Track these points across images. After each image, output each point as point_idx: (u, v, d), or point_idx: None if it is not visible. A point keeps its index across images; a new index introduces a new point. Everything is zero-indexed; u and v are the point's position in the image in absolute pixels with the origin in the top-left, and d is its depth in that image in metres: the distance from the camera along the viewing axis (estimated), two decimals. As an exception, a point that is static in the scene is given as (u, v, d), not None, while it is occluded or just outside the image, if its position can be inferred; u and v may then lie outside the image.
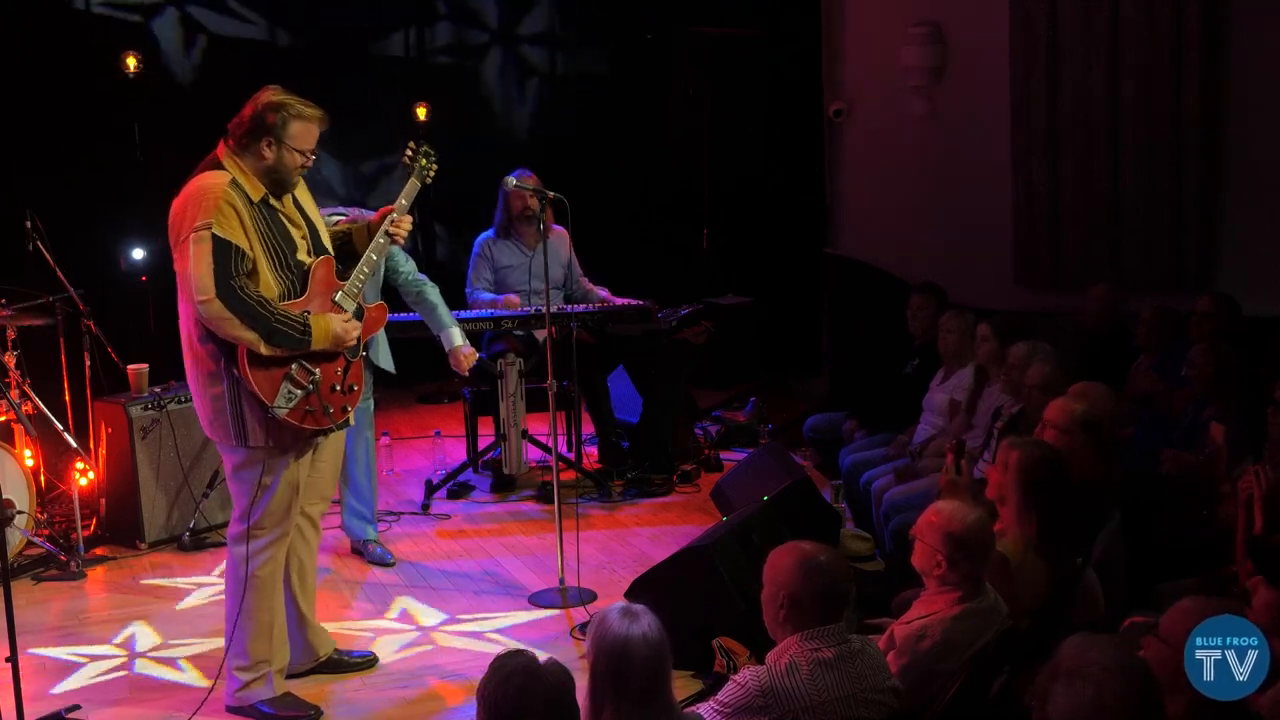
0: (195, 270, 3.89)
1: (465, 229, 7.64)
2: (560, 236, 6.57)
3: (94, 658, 4.82)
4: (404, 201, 4.32)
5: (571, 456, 6.82)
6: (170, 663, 4.76)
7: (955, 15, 7.85)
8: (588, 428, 7.00)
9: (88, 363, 6.15)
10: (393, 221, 4.29)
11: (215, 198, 3.93)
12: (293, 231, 4.12)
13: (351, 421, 4.30)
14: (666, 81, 9.01)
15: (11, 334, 5.89)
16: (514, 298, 6.51)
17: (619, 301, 6.64)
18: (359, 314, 4.21)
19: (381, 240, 4.29)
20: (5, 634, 3.80)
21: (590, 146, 8.83)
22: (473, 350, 5.76)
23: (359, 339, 4.20)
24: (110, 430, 6.01)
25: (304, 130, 4.06)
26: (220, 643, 4.68)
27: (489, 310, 6.39)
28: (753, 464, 5.83)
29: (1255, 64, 6.73)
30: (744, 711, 3.12)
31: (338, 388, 4.15)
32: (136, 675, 4.67)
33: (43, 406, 5.92)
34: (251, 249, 3.96)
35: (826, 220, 8.73)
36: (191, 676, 4.61)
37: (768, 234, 8.88)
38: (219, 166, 4.03)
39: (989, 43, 7.55)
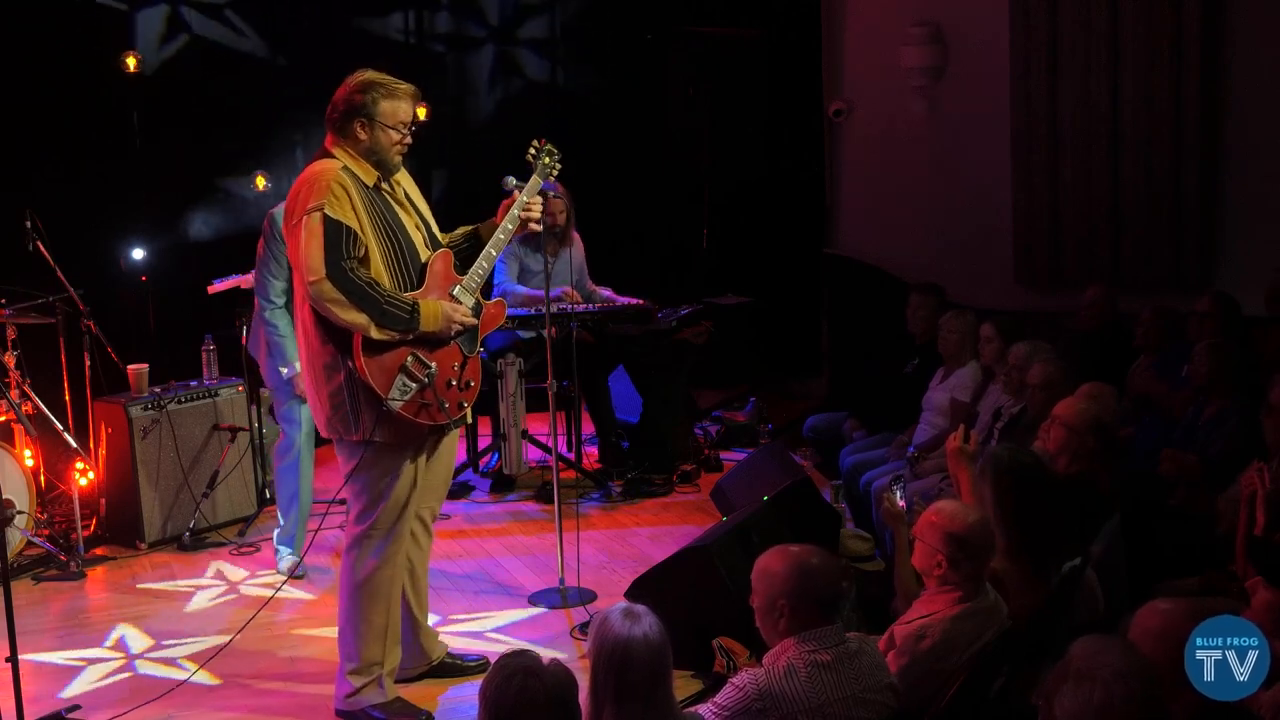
0: (306, 251, 3.87)
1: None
2: (576, 241, 6.63)
3: (94, 659, 4.82)
4: (524, 199, 4.33)
5: (571, 456, 6.82)
6: (170, 663, 4.75)
7: (955, 15, 7.85)
8: (588, 428, 7.00)
9: (88, 363, 6.14)
10: (524, 206, 4.30)
11: (327, 180, 3.92)
12: (406, 221, 4.10)
13: (469, 419, 4.22)
14: (666, 81, 9.00)
15: (11, 334, 5.89)
16: (572, 290, 6.51)
17: (621, 301, 6.65)
18: (477, 308, 4.18)
19: (511, 225, 4.27)
20: (5, 634, 3.80)
21: (590, 147, 8.80)
22: None
23: (476, 330, 4.17)
24: (110, 430, 6.01)
25: (395, 108, 4.05)
26: (219, 641, 4.70)
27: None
28: (753, 464, 5.82)
29: (1255, 64, 6.73)
30: (742, 715, 3.11)
31: (454, 383, 4.10)
32: (136, 676, 4.66)
33: (43, 406, 5.92)
34: (363, 232, 3.93)
35: (826, 220, 8.73)
36: (192, 677, 4.59)
37: (768, 234, 8.87)
38: (329, 156, 4.05)
39: (989, 42, 7.55)
